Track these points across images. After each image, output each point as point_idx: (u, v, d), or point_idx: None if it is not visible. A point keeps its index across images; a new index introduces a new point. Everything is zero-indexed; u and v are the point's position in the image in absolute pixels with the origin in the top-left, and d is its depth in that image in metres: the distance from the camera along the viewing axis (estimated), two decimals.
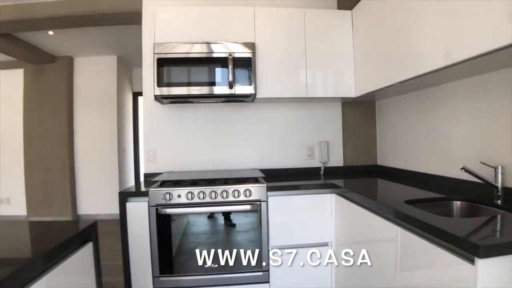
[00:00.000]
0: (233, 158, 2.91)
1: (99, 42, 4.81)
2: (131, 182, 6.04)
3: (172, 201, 2.17)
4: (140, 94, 6.26)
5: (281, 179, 2.55)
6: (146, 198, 2.19)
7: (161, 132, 2.86)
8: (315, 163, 2.97)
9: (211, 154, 2.89)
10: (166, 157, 2.85)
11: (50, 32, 4.25)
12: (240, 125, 2.93)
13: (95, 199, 5.44)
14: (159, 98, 2.56)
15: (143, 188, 2.32)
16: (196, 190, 2.19)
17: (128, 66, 5.99)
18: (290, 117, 2.97)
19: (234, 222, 2.33)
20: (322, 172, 2.94)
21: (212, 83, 2.47)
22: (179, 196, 2.18)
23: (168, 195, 2.17)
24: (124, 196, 2.22)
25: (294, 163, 2.95)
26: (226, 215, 2.32)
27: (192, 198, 2.18)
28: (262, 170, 2.74)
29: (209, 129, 2.90)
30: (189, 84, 2.47)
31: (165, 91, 2.45)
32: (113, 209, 5.41)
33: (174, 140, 2.87)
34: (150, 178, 2.69)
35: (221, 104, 2.91)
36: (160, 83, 2.44)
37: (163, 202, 2.17)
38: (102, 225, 4.96)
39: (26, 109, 5.34)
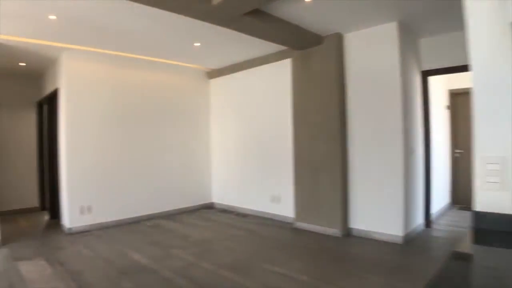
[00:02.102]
0: None
1: (371, 2, 3.51)
2: (418, 202, 4.42)
3: None
4: (430, 73, 4.53)
5: None
6: None
7: None
8: None
9: None
10: None
11: None
12: None
13: (371, 212, 4.21)
14: None
15: None
16: None
17: (412, 36, 4.38)
18: None
19: None
20: None
21: None
22: None
23: None
24: None
25: None
26: None
27: None
28: None
29: None
30: None
31: None
32: (395, 229, 4.04)
33: None
34: (497, 227, 1.08)
35: None
36: None
37: None
38: (375, 249, 3.54)
39: (294, 102, 4.82)
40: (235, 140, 6.04)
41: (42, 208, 6.49)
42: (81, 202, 4.83)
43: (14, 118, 6.43)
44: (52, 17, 3.59)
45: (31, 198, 6.55)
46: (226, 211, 6.04)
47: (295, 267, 3.36)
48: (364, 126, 4.28)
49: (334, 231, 4.34)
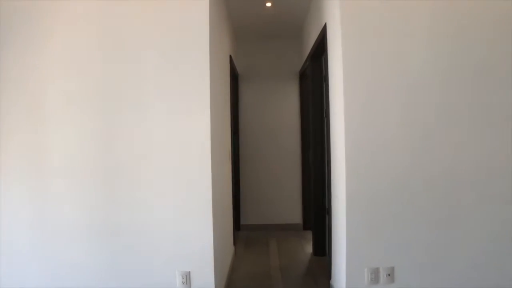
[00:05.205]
0: None
1: None
2: None
3: None
4: None
5: None
6: None
7: None
8: None
9: None
10: None
11: None
12: None
13: None
14: None
15: None
16: None
17: None
18: None
19: None
20: None
21: None
22: None
23: None
24: None
25: None
26: None
27: None
28: None
29: None
30: None
31: None
32: None
33: None
34: None
35: None
36: None
37: None
38: None
39: None
40: None
41: (305, 226, 4.46)
42: (371, 259, 2.17)
43: (275, 93, 4.65)
44: None
45: (293, 210, 4.64)
46: None
47: None
48: None
49: None
